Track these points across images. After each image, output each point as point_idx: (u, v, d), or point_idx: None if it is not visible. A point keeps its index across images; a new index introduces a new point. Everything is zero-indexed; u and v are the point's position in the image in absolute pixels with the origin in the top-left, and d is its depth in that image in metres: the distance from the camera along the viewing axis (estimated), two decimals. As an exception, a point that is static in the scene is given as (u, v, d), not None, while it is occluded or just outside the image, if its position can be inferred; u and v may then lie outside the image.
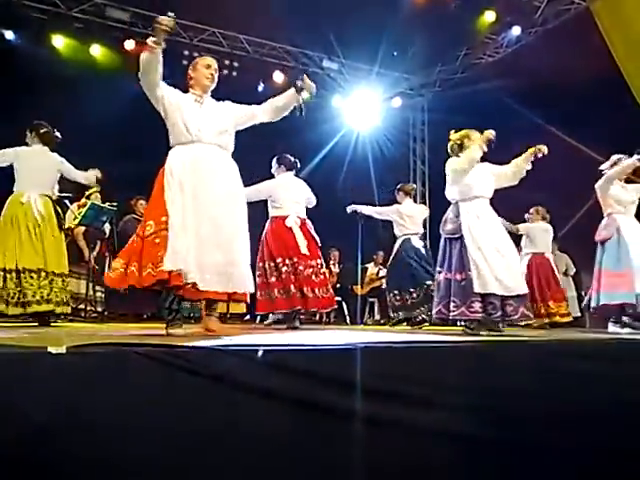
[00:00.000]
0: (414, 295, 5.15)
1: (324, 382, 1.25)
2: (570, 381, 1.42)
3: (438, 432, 1.09)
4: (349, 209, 5.40)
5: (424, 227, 10.26)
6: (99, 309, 5.60)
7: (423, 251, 5.42)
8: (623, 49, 6.80)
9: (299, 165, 4.58)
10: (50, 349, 1.18)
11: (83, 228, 5.46)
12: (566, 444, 1.09)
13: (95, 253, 5.70)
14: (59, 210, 4.16)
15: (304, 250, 4.14)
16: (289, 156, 4.53)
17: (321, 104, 8.88)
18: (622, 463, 1.04)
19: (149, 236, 2.53)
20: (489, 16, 7.91)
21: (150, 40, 2.59)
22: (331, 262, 7.89)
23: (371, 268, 7.99)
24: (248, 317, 7.22)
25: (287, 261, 4.13)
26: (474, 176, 3.44)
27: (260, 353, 1.34)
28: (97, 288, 5.67)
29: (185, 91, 2.83)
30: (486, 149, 3.48)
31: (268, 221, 4.38)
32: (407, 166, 10.50)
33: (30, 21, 7.02)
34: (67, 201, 5.32)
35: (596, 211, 5.78)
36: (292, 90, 2.93)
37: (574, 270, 7.85)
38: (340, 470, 1.06)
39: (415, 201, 10.53)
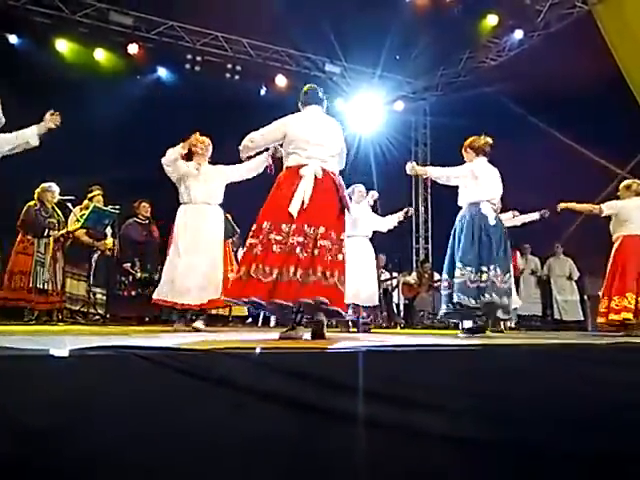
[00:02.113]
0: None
1: (326, 385, 1.25)
2: (571, 385, 1.42)
3: (439, 435, 1.09)
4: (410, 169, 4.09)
5: (427, 231, 10.39)
6: (100, 311, 5.60)
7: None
8: (624, 51, 6.81)
9: (326, 102, 3.14)
10: (52, 352, 1.18)
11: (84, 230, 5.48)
12: (567, 448, 1.09)
13: (97, 255, 5.72)
14: None
15: (293, 210, 2.69)
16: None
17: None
18: (623, 467, 1.03)
19: None
20: (491, 20, 7.93)
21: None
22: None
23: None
24: (250, 320, 7.23)
25: (264, 226, 2.74)
26: (355, 218, 4.77)
27: (257, 351, 1.35)
28: (98, 290, 5.68)
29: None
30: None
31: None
32: (409, 170, 10.50)
33: (34, 25, 7.06)
34: (70, 204, 5.35)
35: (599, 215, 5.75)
36: (262, 156, 3.63)
37: (578, 274, 7.84)
38: (340, 473, 1.06)
39: (417, 204, 10.67)
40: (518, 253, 7.73)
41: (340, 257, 2.73)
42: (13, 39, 7.03)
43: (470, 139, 3.93)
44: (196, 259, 3.93)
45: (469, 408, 1.20)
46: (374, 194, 5.33)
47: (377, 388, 1.24)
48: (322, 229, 2.71)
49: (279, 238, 2.66)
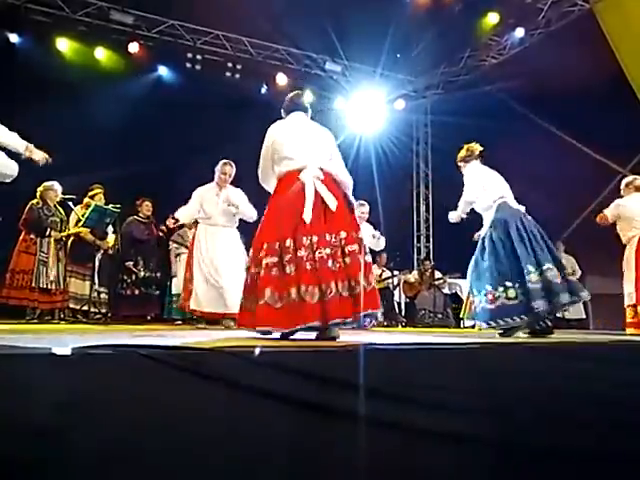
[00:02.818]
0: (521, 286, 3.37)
1: (327, 383, 1.25)
2: (571, 384, 1.42)
3: (439, 434, 1.09)
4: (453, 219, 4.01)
5: (428, 229, 10.39)
6: (103, 310, 5.61)
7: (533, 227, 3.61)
8: (625, 49, 6.80)
9: (310, 110, 3.01)
10: (55, 350, 1.19)
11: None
12: (567, 447, 1.09)
13: (100, 254, 5.72)
14: None
15: (308, 218, 2.49)
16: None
17: (324, 106, 8.89)
18: (625, 466, 1.04)
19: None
20: (492, 18, 7.92)
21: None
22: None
23: (374, 270, 7.99)
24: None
25: (287, 244, 2.47)
26: None
27: (257, 351, 1.35)
28: (101, 289, 5.68)
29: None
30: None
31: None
32: (410, 168, 10.49)
33: (35, 24, 7.06)
34: (71, 203, 5.36)
35: (599, 213, 5.75)
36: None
37: (580, 273, 7.82)
38: (341, 472, 1.07)
39: (418, 203, 10.67)
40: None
41: (368, 258, 2.57)
42: (14, 38, 7.02)
43: (458, 156, 3.83)
44: (215, 275, 4.30)
45: (470, 407, 1.21)
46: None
47: (378, 386, 1.24)
48: (343, 234, 2.53)
49: (306, 253, 2.43)
